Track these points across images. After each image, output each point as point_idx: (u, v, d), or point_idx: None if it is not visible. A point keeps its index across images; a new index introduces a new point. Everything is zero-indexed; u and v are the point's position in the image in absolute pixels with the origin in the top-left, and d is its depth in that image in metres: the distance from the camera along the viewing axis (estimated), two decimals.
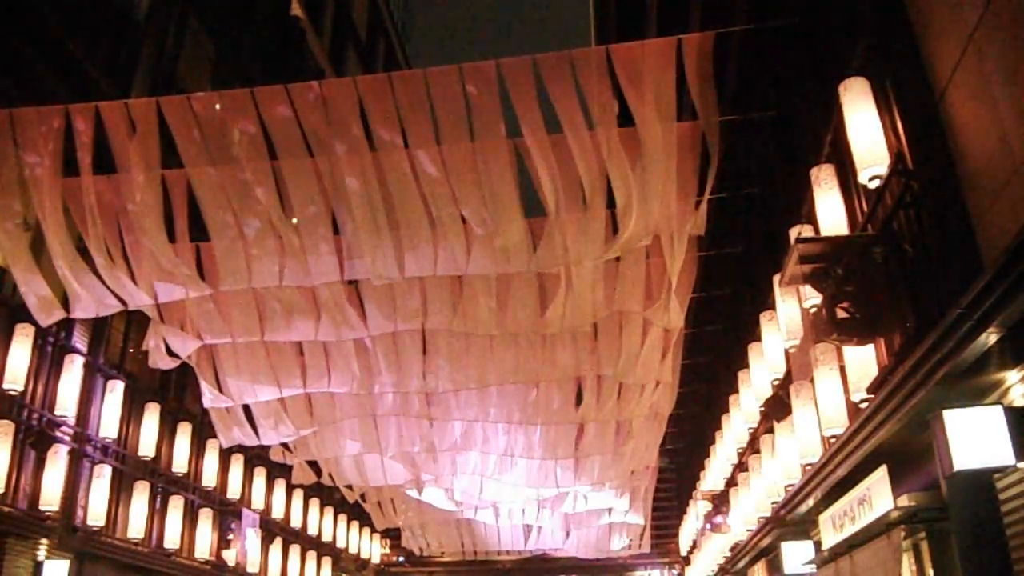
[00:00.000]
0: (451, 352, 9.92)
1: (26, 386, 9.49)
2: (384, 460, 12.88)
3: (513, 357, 9.90)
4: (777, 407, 8.72)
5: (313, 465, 13.35)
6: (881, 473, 6.18)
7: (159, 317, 8.94)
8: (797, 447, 7.69)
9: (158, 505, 12.29)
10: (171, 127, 6.92)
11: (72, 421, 10.38)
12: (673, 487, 20.82)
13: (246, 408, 10.97)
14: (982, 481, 4.85)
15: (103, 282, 7.91)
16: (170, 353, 9.40)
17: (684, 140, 6.82)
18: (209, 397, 10.34)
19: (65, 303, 8.17)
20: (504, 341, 9.69)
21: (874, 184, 5.30)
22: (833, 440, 6.47)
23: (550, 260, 7.68)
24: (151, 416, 11.88)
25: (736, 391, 10.94)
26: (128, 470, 11.65)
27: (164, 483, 12.45)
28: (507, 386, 10.69)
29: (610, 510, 15.79)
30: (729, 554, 13.25)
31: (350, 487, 14.42)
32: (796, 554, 9.30)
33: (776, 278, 7.53)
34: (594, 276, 8.17)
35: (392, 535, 21.21)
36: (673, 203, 7.07)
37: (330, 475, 13.62)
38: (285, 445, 12.28)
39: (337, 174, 7.18)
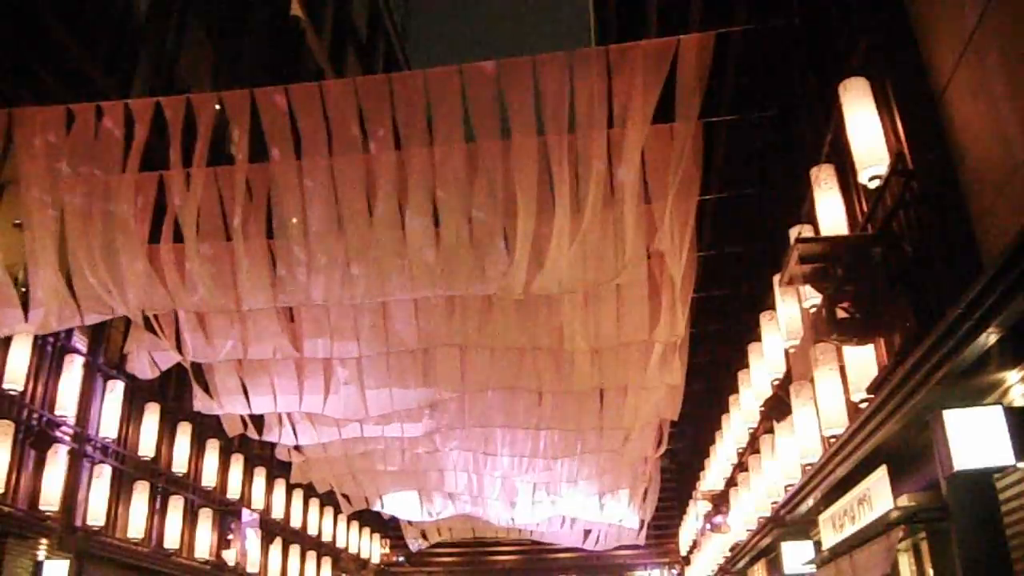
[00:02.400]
0: (452, 359, 9.85)
1: (26, 386, 9.48)
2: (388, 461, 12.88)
3: (516, 363, 9.83)
4: (777, 407, 8.73)
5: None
6: (881, 473, 6.18)
7: (142, 324, 8.86)
8: (797, 447, 7.69)
9: (158, 505, 12.28)
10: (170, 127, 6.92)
11: (72, 421, 10.37)
12: (673, 487, 20.81)
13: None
14: (982, 481, 4.85)
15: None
16: (153, 362, 9.37)
17: (681, 141, 6.80)
18: (199, 403, 10.29)
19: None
20: (507, 348, 9.62)
21: (874, 184, 5.30)
22: (833, 440, 6.47)
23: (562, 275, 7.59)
24: (151, 416, 11.87)
25: (736, 391, 10.94)
26: (128, 470, 11.64)
27: (164, 483, 12.45)
28: (508, 391, 10.62)
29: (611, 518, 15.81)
30: (729, 554, 13.24)
31: (347, 497, 14.44)
32: (796, 554, 9.30)
33: (776, 278, 7.52)
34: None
35: (392, 535, 21.22)
36: (669, 205, 7.04)
37: (337, 484, 13.65)
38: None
39: (338, 176, 7.17)
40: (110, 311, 8.12)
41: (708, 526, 13.45)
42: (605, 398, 10.54)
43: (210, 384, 9.89)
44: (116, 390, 11.12)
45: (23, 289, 8.02)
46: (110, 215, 7.36)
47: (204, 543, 13.20)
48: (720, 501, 13.09)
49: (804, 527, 8.98)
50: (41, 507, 9.57)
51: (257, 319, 8.63)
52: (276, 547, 16.16)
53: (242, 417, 10.94)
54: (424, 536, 18.68)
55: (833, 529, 7.55)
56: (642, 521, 16.28)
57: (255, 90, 6.83)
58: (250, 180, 7.28)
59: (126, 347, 9.50)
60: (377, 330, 8.93)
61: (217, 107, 7.03)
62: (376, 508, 15.77)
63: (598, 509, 15.41)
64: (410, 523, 17.63)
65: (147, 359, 9.38)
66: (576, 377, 9.68)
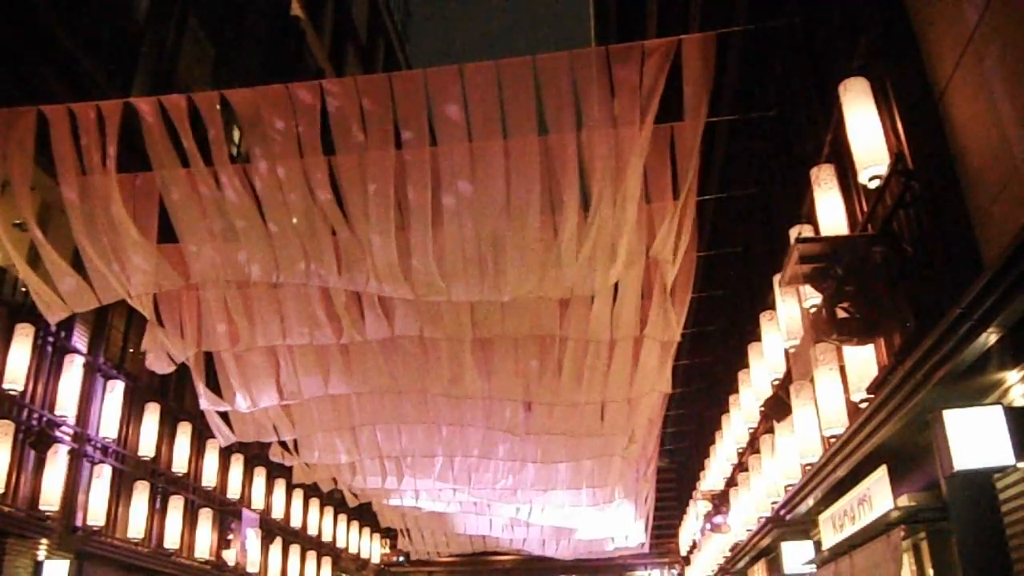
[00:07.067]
0: (450, 359, 9.83)
1: (26, 386, 9.48)
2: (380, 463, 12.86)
3: (511, 367, 9.81)
4: (777, 407, 8.72)
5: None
6: (881, 473, 6.18)
7: (156, 320, 8.88)
8: (797, 447, 7.69)
9: (158, 505, 12.29)
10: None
11: (72, 421, 10.37)
12: (673, 487, 20.81)
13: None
14: (982, 481, 4.85)
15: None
16: (169, 357, 9.36)
17: (681, 140, 6.80)
18: (205, 401, 10.28)
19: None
20: (503, 350, 9.60)
21: (874, 184, 5.30)
22: (833, 440, 6.47)
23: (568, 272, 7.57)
24: (151, 416, 11.88)
25: (736, 391, 10.93)
26: (128, 470, 11.65)
27: (164, 483, 12.45)
28: (502, 396, 10.59)
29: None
30: (729, 554, 13.24)
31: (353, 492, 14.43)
32: (796, 554, 9.30)
33: (776, 278, 7.52)
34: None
35: (392, 535, 21.23)
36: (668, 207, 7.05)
37: (334, 479, 13.63)
38: (284, 445, 12.25)
39: (339, 174, 7.18)
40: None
41: (708, 526, 13.44)
42: (599, 407, 10.53)
43: (221, 378, 9.90)
44: (116, 390, 11.12)
45: (22, 289, 8.02)
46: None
47: (204, 543, 13.20)
48: (720, 501, 13.08)
49: (804, 527, 8.98)
50: (41, 507, 9.58)
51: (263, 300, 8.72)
52: (276, 547, 16.17)
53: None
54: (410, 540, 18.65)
55: (833, 529, 7.55)
56: (644, 524, 16.28)
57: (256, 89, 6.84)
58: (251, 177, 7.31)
59: (143, 345, 9.51)
60: (379, 321, 8.94)
61: (217, 107, 7.03)
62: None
63: (598, 517, 15.37)
64: (406, 532, 17.62)
65: (163, 354, 9.38)
66: (570, 385, 9.69)
